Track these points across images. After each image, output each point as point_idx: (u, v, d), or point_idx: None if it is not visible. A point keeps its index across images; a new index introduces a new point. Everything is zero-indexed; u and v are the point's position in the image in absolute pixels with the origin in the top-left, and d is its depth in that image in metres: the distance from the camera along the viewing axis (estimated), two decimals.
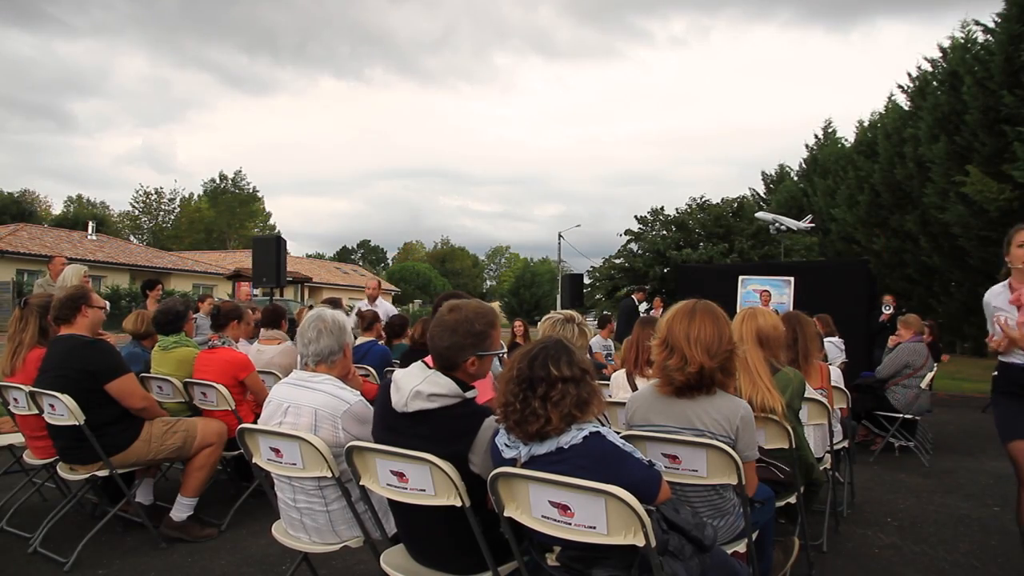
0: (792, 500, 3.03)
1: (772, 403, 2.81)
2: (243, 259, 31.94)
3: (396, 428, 2.21)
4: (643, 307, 12.66)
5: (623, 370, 3.82)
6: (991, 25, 16.84)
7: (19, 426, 3.95)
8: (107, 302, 4.17)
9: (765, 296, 10.72)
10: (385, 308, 8.61)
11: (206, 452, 3.80)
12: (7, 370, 3.86)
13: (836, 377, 4.23)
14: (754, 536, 2.46)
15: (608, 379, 4.14)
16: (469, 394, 2.21)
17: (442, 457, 2.06)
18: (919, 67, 20.49)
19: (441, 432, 2.15)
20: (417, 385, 2.16)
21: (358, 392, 2.64)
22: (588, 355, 9.83)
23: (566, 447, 1.92)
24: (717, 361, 2.32)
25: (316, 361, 2.67)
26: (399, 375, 2.25)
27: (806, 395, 3.28)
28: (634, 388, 3.60)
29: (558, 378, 1.94)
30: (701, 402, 2.38)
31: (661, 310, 11.87)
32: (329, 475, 2.37)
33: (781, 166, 34.14)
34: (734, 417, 2.34)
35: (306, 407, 2.53)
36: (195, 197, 60.49)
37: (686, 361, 2.32)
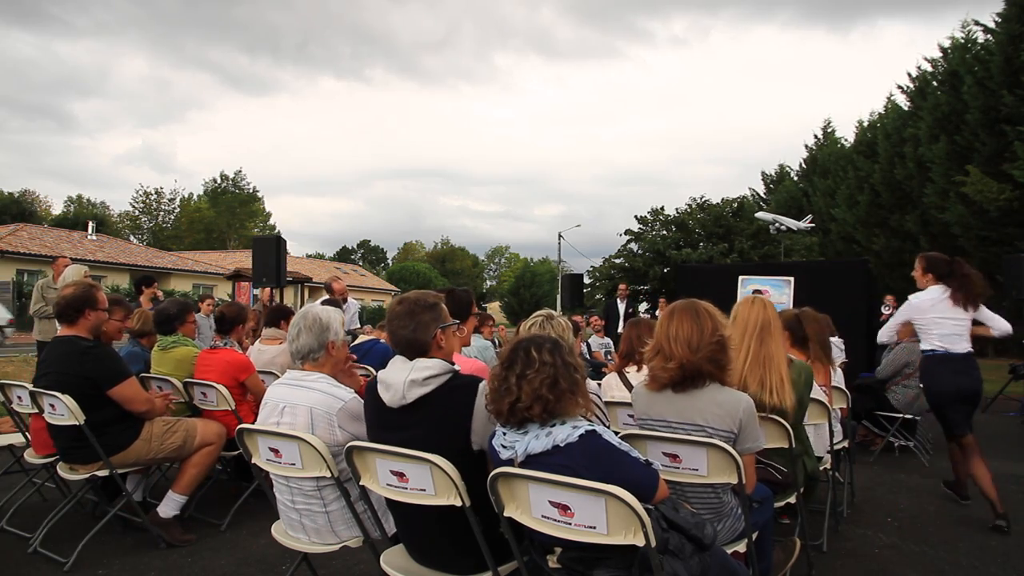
0: (792, 500, 3.03)
1: (784, 402, 2.83)
2: (243, 259, 31.91)
3: (395, 425, 2.22)
4: (643, 306, 12.66)
5: (615, 372, 3.84)
6: (991, 25, 16.88)
7: (28, 425, 3.95)
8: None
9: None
10: (356, 308, 8.63)
11: (204, 451, 3.80)
12: None
13: (836, 377, 4.23)
14: (754, 536, 2.47)
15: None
16: (456, 367, 2.27)
17: (447, 434, 2.08)
18: (919, 67, 20.55)
19: (443, 410, 2.17)
20: (408, 375, 2.18)
21: (352, 390, 2.64)
22: (588, 354, 9.81)
23: (562, 445, 1.92)
24: (702, 355, 2.36)
25: (300, 359, 2.68)
26: (384, 374, 2.27)
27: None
28: (626, 384, 3.62)
29: (536, 359, 1.98)
30: (702, 397, 2.40)
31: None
32: (328, 475, 2.37)
33: (781, 166, 34.23)
34: (736, 411, 2.36)
35: (302, 406, 2.53)
36: (195, 197, 60.49)
37: (668, 359, 2.40)
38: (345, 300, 8.04)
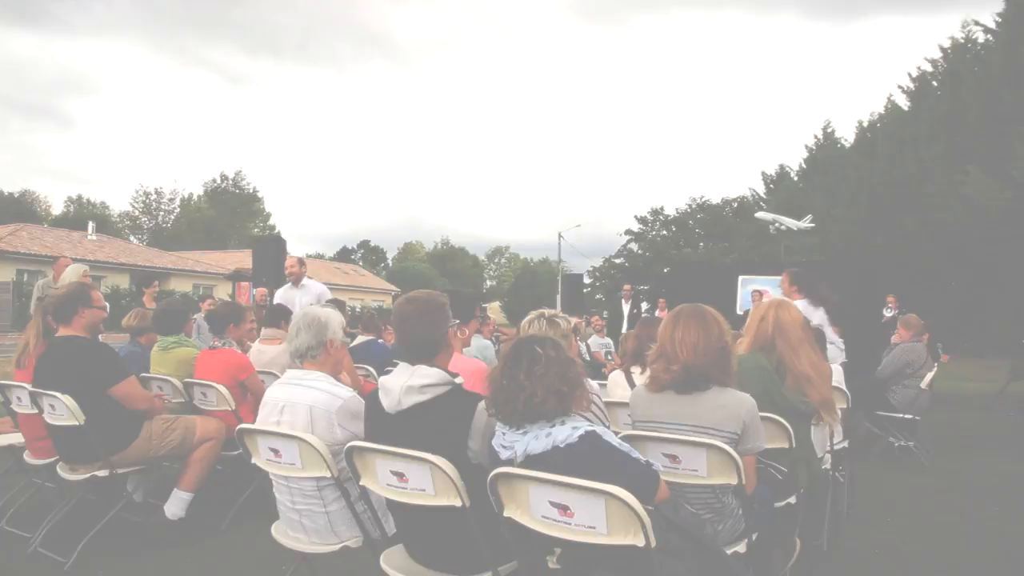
0: (792, 500, 3.03)
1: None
2: (243, 259, 31.85)
3: (392, 431, 2.21)
4: (643, 306, 12.65)
5: (620, 370, 3.83)
6: (991, 25, 16.87)
7: (21, 428, 3.95)
8: (106, 303, 4.15)
9: (756, 296, 10.71)
10: (318, 291, 7.11)
11: (206, 445, 3.79)
12: (18, 363, 3.90)
13: (836, 377, 4.23)
14: (753, 537, 2.46)
15: (606, 378, 4.13)
16: (457, 380, 2.26)
17: (443, 447, 2.07)
18: (919, 67, 20.52)
19: (439, 421, 2.16)
20: (407, 381, 2.18)
21: (351, 389, 2.64)
22: (588, 354, 9.79)
23: (562, 446, 1.92)
24: (708, 358, 2.38)
25: (299, 358, 2.68)
26: (385, 379, 2.27)
27: None
28: (632, 384, 3.61)
29: (542, 355, 2.00)
30: (705, 399, 2.40)
31: (666, 311, 11.85)
32: (328, 475, 2.37)
33: (781, 166, 34.03)
34: (740, 411, 2.36)
35: (301, 405, 2.53)
36: (195, 197, 60.50)
37: (671, 362, 2.41)
38: (298, 281, 6.99)
